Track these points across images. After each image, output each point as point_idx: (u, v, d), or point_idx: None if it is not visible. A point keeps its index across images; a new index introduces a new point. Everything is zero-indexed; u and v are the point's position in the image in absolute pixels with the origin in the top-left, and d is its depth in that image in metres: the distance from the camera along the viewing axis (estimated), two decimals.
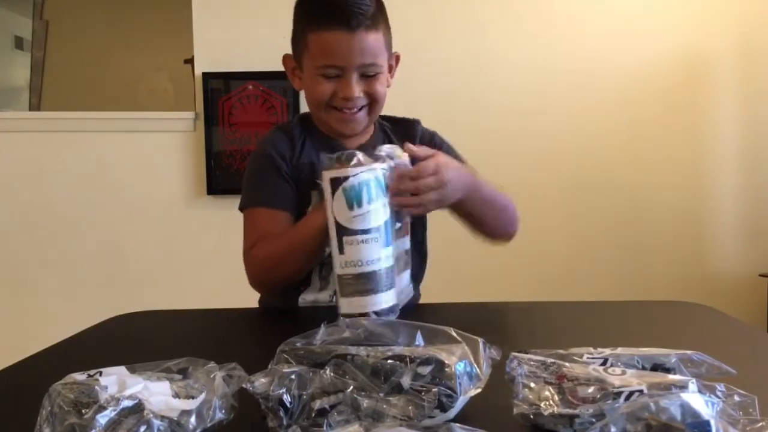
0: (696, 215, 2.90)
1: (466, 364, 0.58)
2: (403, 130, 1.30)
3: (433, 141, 1.30)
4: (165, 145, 2.81)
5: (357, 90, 1.13)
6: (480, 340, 0.62)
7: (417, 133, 1.31)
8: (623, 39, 2.83)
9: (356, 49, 1.10)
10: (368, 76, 1.14)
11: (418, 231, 1.26)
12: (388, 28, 1.18)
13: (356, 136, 1.23)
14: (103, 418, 0.48)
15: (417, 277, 1.29)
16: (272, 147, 1.22)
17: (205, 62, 2.78)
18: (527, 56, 2.81)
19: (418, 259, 1.26)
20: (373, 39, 1.12)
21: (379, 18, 1.14)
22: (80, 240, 2.79)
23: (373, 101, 1.17)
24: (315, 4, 1.16)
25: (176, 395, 0.53)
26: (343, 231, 0.89)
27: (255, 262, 1.14)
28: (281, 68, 2.93)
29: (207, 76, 2.76)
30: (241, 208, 1.22)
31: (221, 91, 2.77)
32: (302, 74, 1.20)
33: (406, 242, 1.05)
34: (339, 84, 1.14)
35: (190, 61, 2.86)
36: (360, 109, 1.17)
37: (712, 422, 0.49)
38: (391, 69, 1.23)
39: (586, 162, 2.82)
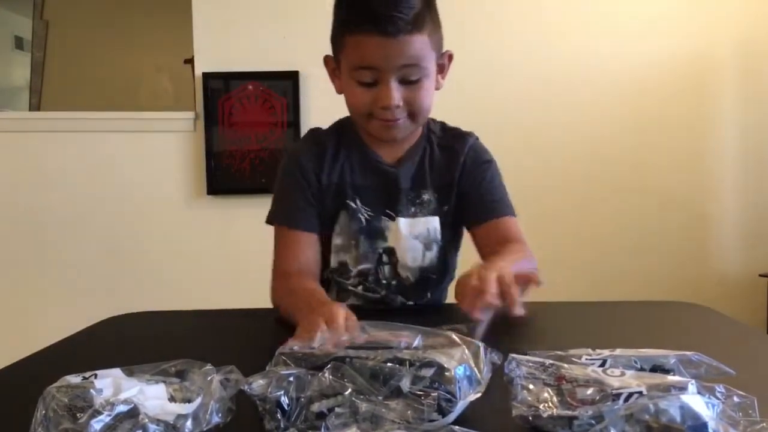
0: (696, 215, 2.89)
1: (466, 368, 0.57)
2: (449, 143, 1.21)
3: (477, 164, 1.20)
4: (165, 145, 2.81)
5: (396, 97, 1.05)
6: (480, 345, 0.62)
7: (463, 149, 1.20)
8: (626, 42, 2.83)
9: (394, 53, 1.02)
10: (410, 81, 1.05)
11: (449, 250, 1.22)
12: (436, 25, 1.09)
13: (397, 144, 1.17)
14: (97, 423, 0.48)
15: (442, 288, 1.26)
16: (299, 163, 1.17)
17: (205, 62, 2.77)
18: (530, 58, 2.80)
19: (443, 270, 1.23)
20: (416, 42, 1.02)
21: (424, 18, 1.03)
22: (80, 240, 2.79)
23: (414, 112, 1.09)
24: (353, 6, 1.07)
25: (172, 399, 0.53)
26: None
27: (272, 296, 1.13)
28: (281, 68, 2.92)
29: (207, 76, 2.76)
30: (268, 222, 1.19)
31: (221, 91, 2.77)
32: (341, 76, 1.12)
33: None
34: (377, 91, 1.05)
35: (190, 61, 2.85)
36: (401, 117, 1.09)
37: (711, 423, 0.49)
38: (442, 69, 1.14)
39: (586, 163, 2.82)
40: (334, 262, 1.18)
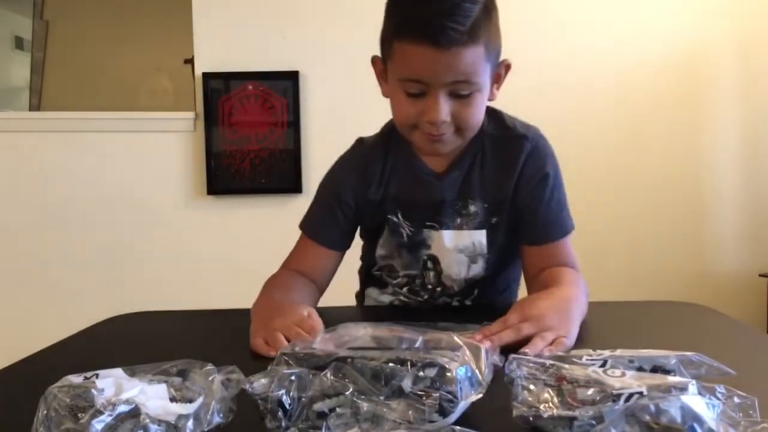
0: (696, 215, 2.89)
1: (467, 369, 0.57)
2: (504, 148, 1.12)
3: (535, 179, 1.12)
4: (165, 145, 2.81)
5: (444, 112, 0.97)
6: (482, 346, 0.62)
7: (519, 159, 1.12)
8: (624, 40, 2.83)
9: (444, 68, 0.94)
10: (460, 96, 0.98)
11: (503, 254, 1.17)
12: (494, 33, 1.00)
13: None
14: (99, 423, 0.48)
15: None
16: (336, 183, 1.16)
17: (205, 62, 2.77)
18: (527, 56, 2.80)
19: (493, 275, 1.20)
20: (469, 55, 0.94)
21: (481, 26, 0.94)
22: (80, 240, 2.79)
23: (462, 127, 1.01)
24: (404, 10, 0.99)
25: (173, 399, 0.53)
26: None
27: None
28: (281, 68, 2.90)
29: (207, 76, 2.76)
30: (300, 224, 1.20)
31: (221, 91, 2.77)
32: (388, 80, 1.05)
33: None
34: (424, 103, 0.98)
35: (190, 61, 2.86)
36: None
37: (710, 424, 0.49)
38: (498, 79, 1.07)
39: (585, 161, 2.82)
40: (381, 263, 1.20)
